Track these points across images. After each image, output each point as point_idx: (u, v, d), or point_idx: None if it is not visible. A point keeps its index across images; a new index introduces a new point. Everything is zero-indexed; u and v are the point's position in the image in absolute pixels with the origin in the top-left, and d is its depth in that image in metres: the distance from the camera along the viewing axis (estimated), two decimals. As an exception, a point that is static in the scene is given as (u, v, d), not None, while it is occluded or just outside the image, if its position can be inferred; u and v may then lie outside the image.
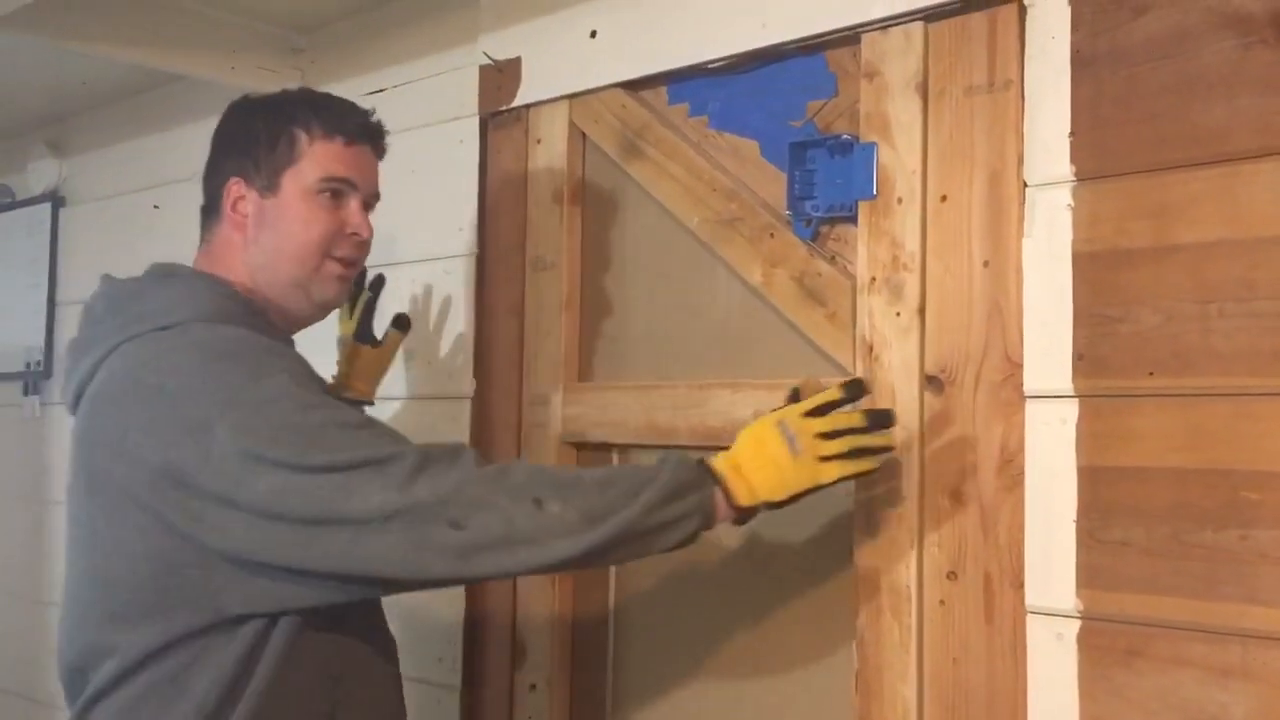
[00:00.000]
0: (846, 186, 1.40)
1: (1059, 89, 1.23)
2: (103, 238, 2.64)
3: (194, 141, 2.37)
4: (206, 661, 1.20)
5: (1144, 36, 1.18)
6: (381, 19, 2.01)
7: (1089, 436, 1.19)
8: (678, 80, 1.61)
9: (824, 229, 1.45)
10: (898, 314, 1.34)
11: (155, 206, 2.48)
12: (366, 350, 1.74)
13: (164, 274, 1.36)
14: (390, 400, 1.87)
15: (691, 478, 1.21)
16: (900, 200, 1.34)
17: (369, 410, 1.58)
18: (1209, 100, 1.13)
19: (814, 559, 1.46)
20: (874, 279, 1.36)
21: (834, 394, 1.24)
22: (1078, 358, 1.20)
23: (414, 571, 1.15)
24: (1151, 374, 1.15)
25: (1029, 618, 1.22)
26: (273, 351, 1.26)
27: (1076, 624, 1.18)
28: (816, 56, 1.47)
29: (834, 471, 1.22)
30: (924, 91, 1.33)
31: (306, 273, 1.35)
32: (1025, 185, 1.25)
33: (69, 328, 2.66)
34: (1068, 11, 1.23)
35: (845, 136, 1.40)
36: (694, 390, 1.54)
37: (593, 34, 1.67)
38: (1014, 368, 1.25)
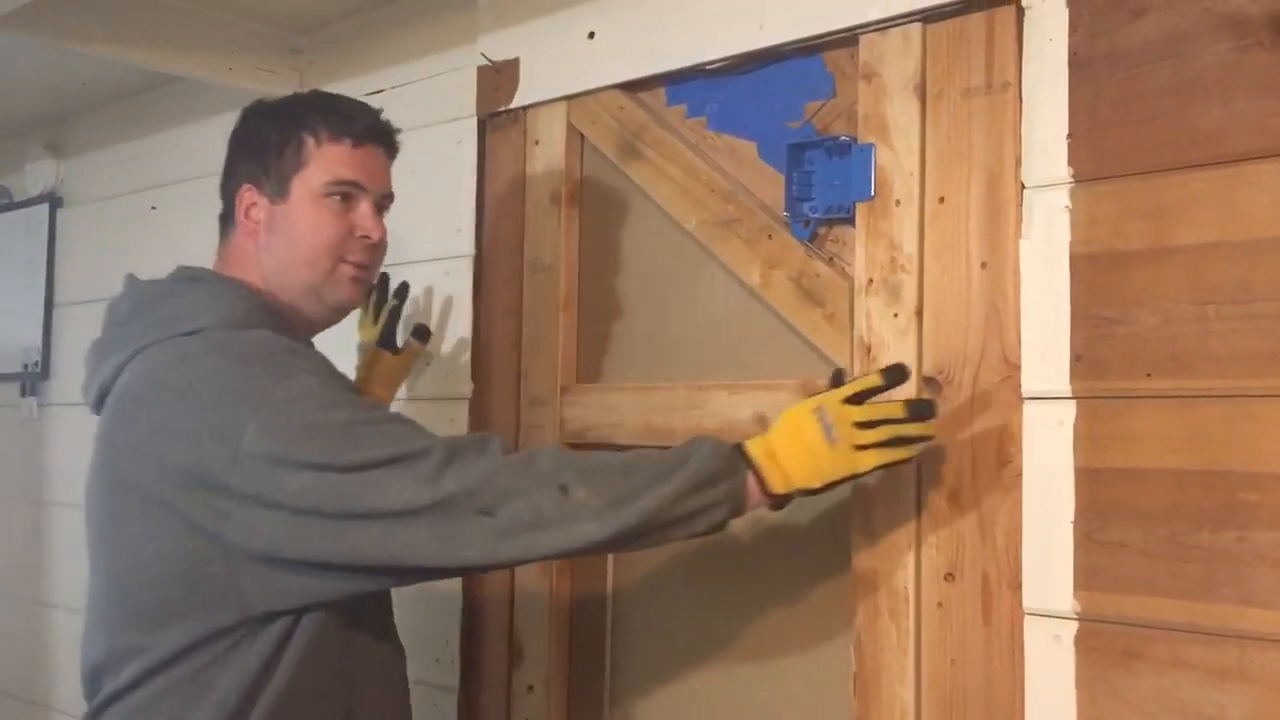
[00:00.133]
0: (844, 188, 1.40)
1: (1057, 91, 1.23)
2: (100, 239, 2.64)
3: (192, 143, 2.40)
4: (230, 661, 1.21)
5: (1142, 38, 1.18)
6: (380, 20, 2.01)
7: (1087, 438, 1.19)
8: (676, 81, 1.61)
9: (822, 230, 1.45)
10: (895, 315, 1.34)
11: (153, 207, 2.49)
12: (387, 357, 1.77)
13: (189, 277, 1.36)
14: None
15: (722, 466, 1.20)
16: (898, 202, 1.34)
17: None
18: (1206, 102, 1.13)
19: (812, 561, 1.45)
20: (872, 280, 1.36)
21: (874, 380, 1.23)
22: (1075, 359, 1.20)
23: (444, 560, 1.17)
24: (1149, 375, 1.15)
25: (1027, 619, 1.22)
26: (296, 352, 1.27)
27: (1074, 625, 1.18)
28: (814, 58, 1.47)
29: (871, 460, 1.20)
30: (922, 93, 1.33)
31: (319, 277, 1.35)
32: (1023, 187, 1.25)
33: (67, 329, 2.69)
34: (1065, 13, 1.23)
35: (843, 138, 1.40)
36: (692, 391, 1.54)
37: (591, 35, 1.67)
38: (1012, 369, 1.25)
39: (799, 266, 1.45)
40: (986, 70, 1.29)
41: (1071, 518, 1.19)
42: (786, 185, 1.44)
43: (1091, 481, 1.18)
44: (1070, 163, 1.21)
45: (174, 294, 1.33)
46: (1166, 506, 1.13)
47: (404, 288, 1.81)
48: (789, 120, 1.49)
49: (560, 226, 1.72)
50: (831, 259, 1.44)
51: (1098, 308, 1.19)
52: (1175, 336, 1.13)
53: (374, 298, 1.78)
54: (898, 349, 1.32)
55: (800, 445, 1.20)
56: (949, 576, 1.29)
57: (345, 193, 1.35)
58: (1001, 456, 1.25)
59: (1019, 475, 1.23)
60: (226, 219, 1.40)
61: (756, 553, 1.52)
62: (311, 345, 1.40)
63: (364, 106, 1.41)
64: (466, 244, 1.83)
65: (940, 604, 1.29)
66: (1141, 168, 1.17)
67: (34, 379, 2.77)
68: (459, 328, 1.84)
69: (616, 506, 1.16)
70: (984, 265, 1.28)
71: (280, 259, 1.35)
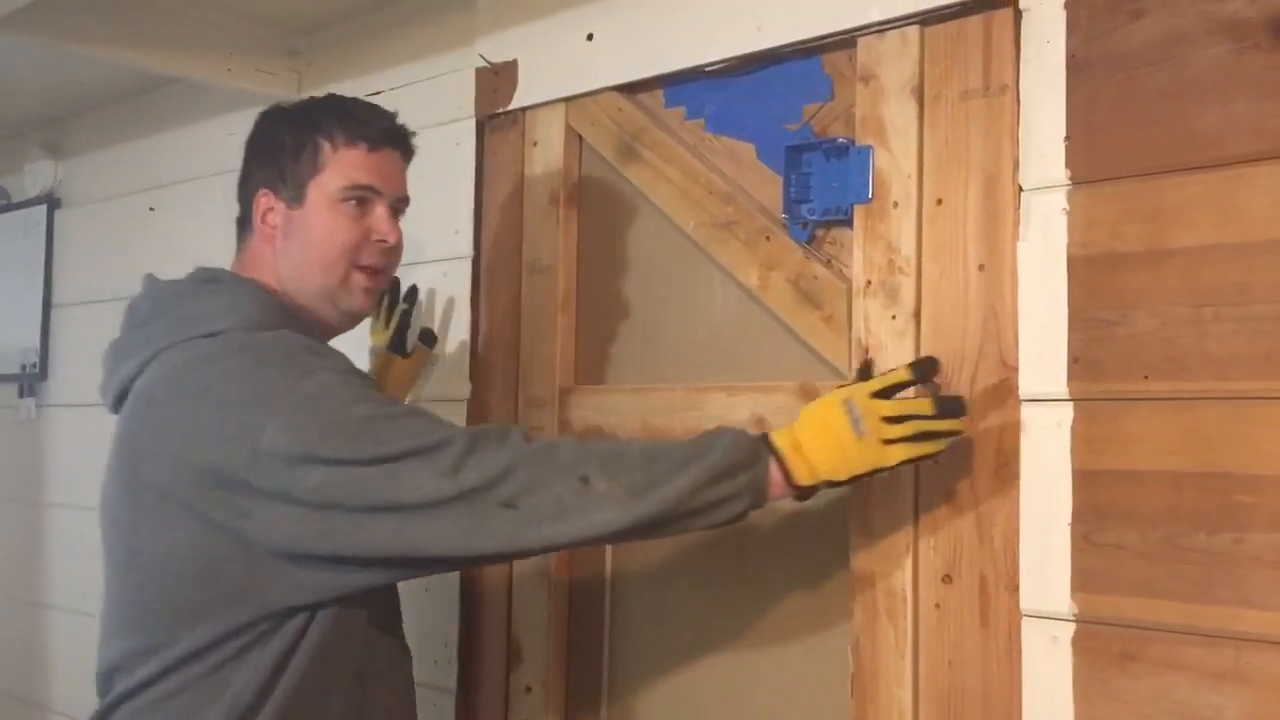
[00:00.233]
0: (842, 190, 1.40)
1: (1054, 93, 1.23)
2: (99, 239, 2.64)
3: (190, 144, 2.40)
4: (247, 656, 1.22)
5: (1139, 41, 1.18)
6: (378, 21, 2.01)
7: (1084, 440, 1.19)
8: (674, 83, 1.61)
9: (820, 232, 1.45)
10: (893, 317, 1.34)
11: (151, 209, 2.48)
12: (399, 361, 1.78)
13: (209, 279, 1.37)
14: (386, 403, 1.87)
15: (743, 457, 1.20)
16: (896, 204, 1.34)
17: None
18: (1204, 105, 1.13)
19: (810, 562, 1.46)
20: (870, 282, 1.36)
21: (903, 374, 1.22)
22: (1073, 361, 1.20)
23: (465, 551, 1.18)
24: (1146, 377, 1.15)
25: (1024, 621, 1.22)
26: (315, 351, 1.28)
27: (1071, 627, 1.18)
28: (812, 60, 1.47)
29: (898, 455, 1.19)
30: (920, 95, 1.34)
31: (334, 282, 1.36)
32: (1020, 189, 1.25)
33: (65, 330, 2.69)
34: (1063, 16, 1.23)
35: (841, 140, 1.40)
36: (690, 393, 1.54)
37: (589, 37, 1.68)
38: (1009, 371, 1.25)
39: (797, 268, 1.46)
40: (984, 73, 1.29)
41: (1069, 519, 1.19)
42: (784, 187, 1.44)
43: (1089, 483, 1.18)
44: (1068, 165, 1.22)
45: (194, 295, 1.34)
46: (1164, 508, 1.13)
47: (414, 291, 1.81)
48: (787, 122, 1.49)
49: (559, 228, 1.72)
50: (829, 261, 1.44)
51: (1095, 310, 1.19)
52: (1172, 338, 1.14)
53: (385, 301, 1.78)
54: (895, 351, 1.33)
55: (827, 437, 1.20)
56: (947, 578, 1.29)
57: (361, 197, 1.36)
58: (999, 458, 1.25)
59: (1016, 477, 1.23)
60: (243, 223, 1.41)
61: (755, 554, 1.52)
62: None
63: (379, 110, 1.41)
64: (465, 245, 1.83)
65: (938, 605, 1.29)
66: (1139, 170, 1.17)
67: (32, 380, 2.77)
68: (457, 329, 1.84)
69: (636, 495, 1.17)
70: (982, 267, 1.28)
71: (296, 263, 1.36)
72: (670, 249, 1.62)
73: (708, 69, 1.56)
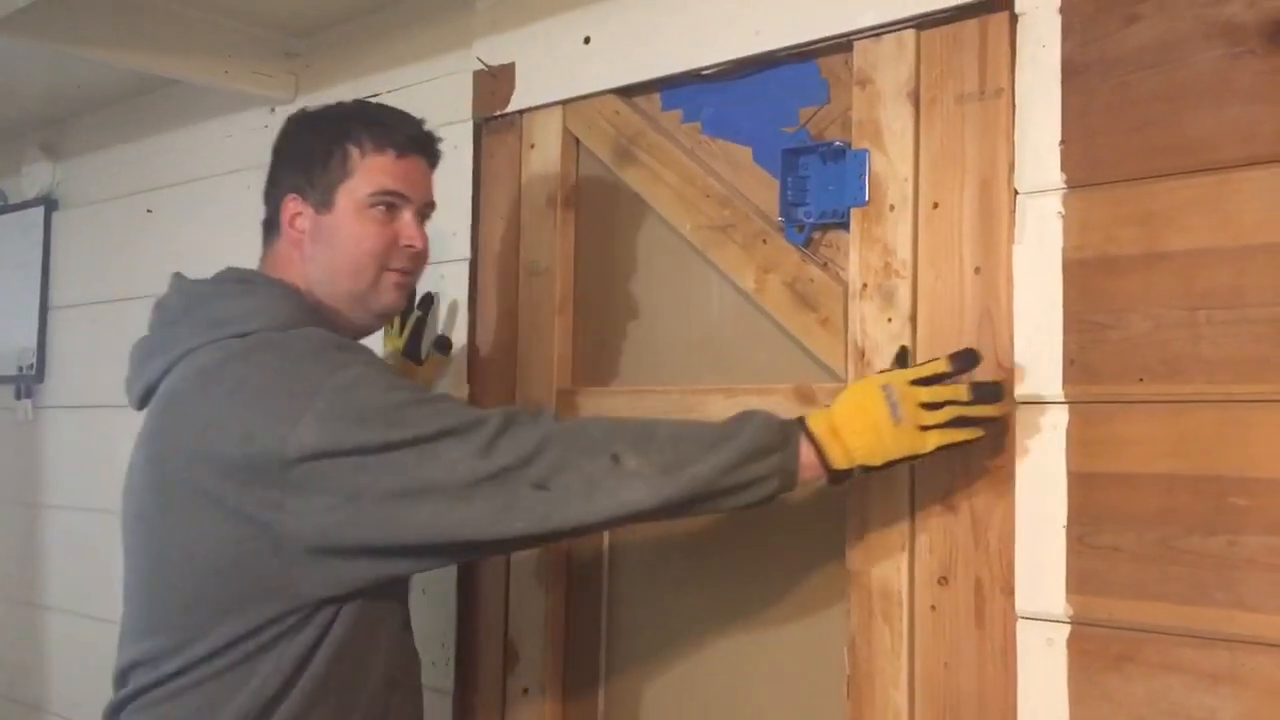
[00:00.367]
0: (839, 193, 1.40)
1: (1050, 97, 1.23)
2: (96, 241, 2.64)
3: (188, 146, 2.41)
4: (273, 649, 1.22)
5: (1134, 45, 1.18)
6: (376, 24, 2.01)
7: (1079, 442, 1.19)
8: (671, 86, 1.62)
9: (816, 235, 1.45)
10: (889, 320, 1.34)
11: (148, 210, 2.48)
12: (414, 368, 1.79)
13: (239, 280, 1.37)
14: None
15: (773, 438, 1.20)
16: (892, 207, 1.35)
17: None
18: (1198, 109, 1.14)
19: (806, 564, 1.46)
20: (866, 285, 1.36)
21: (942, 366, 1.22)
22: (1068, 364, 1.21)
23: (498, 533, 1.18)
24: (1141, 380, 1.16)
25: (1019, 623, 1.22)
26: (344, 346, 1.30)
27: (1066, 629, 1.19)
28: (809, 63, 1.48)
29: (934, 441, 1.19)
30: (916, 99, 1.34)
31: (364, 286, 1.37)
32: (1016, 193, 1.26)
33: (62, 331, 2.69)
34: (1058, 20, 1.23)
35: (837, 143, 1.41)
36: (687, 395, 1.54)
37: (586, 40, 1.68)
38: (1005, 374, 1.25)
39: (793, 271, 1.46)
40: (980, 76, 1.29)
41: (1064, 522, 1.19)
42: (781, 190, 1.45)
43: (1084, 485, 1.19)
44: (1063, 168, 1.22)
45: (224, 296, 1.34)
46: (1158, 511, 1.14)
47: (428, 298, 1.81)
48: (784, 125, 1.50)
49: (556, 230, 1.72)
50: (826, 264, 1.44)
51: (1090, 313, 1.19)
52: (1167, 341, 1.14)
53: None
54: (891, 353, 1.33)
55: (864, 421, 1.20)
56: (942, 580, 1.29)
57: (389, 203, 1.37)
58: (995, 460, 1.26)
59: (1012, 479, 1.24)
60: (270, 226, 1.41)
61: (751, 556, 1.52)
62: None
63: (407, 116, 1.42)
64: (463, 248, 1.83)
65: (934, 607, 1.30)
66: (1134, 174, 1.17)
67: (29, 381, 2.77)
68: (455, 331, 1.84)
69: (667, 473, 1.18)
70: (977, 270, 1.28)
71: (325, 268, 1.36)
72: (667, 251, 1.62)
73: (705, 72, 1.56)
